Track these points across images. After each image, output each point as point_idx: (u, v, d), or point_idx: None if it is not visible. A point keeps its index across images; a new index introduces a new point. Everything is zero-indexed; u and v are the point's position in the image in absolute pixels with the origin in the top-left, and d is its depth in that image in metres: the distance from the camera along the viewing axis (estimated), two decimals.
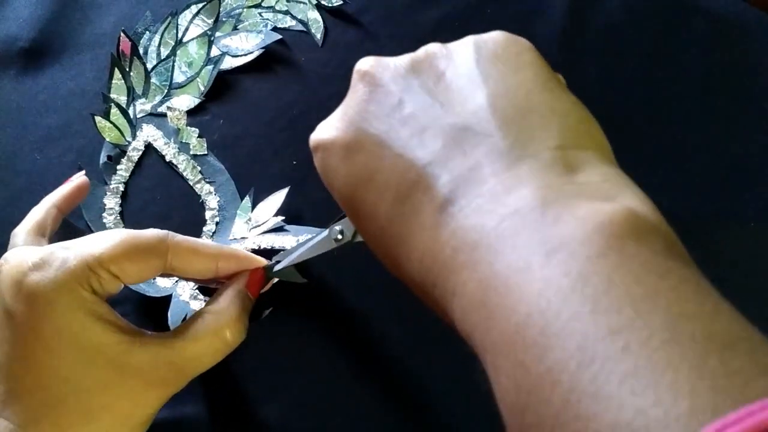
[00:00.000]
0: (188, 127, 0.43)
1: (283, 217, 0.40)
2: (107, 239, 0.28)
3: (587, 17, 0.46)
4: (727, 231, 0.39)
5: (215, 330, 0.29)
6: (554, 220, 0.17)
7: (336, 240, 0.32)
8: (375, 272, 0.38)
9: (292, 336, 0.37)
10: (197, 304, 0.37)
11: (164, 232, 0.30)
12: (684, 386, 0.13)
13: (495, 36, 0.24)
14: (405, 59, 0.24)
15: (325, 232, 0.32)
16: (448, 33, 0.47)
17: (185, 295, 0.37)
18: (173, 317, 0.37)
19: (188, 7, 0.47)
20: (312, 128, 0.43)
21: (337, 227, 0.31)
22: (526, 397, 0.16)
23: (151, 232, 0.29)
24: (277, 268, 0.34)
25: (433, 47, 0.25)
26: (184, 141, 0.43)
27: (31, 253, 0.28)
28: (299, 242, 0.39)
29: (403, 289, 0.38)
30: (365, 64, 0.25)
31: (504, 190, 0.19)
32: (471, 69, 0.23)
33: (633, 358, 0.14)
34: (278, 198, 0.40)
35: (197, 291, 0.38)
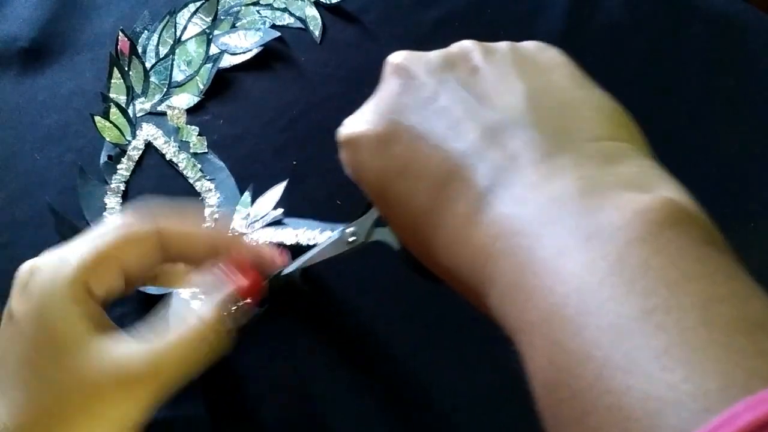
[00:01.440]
0: (188, 126, 0.43)
1: (282, 210, 0.40)
2: (103, 234, 0.28)
3: (587, 17, 0.46)
4: (727, 231, 0.39)
5: (201, 335, 0.28)
6: (593, 208, 0.18)
7: (349, 242, 0.31)
8: (377, 274, 0.38)
9: (293, 337, 0.37)
10: (198, 304, 0.37)
11: (153, 213, 0.29)
12: (715, 364, 0.14)
13: (529, 42, 0.25)
14: (438, 53, 0.25)
15: (337, 235, 0.31)
16: (448, 33, 0.47)
17: (185, 293, 0.37)
18: (174, 317, 0.37)
19: (186, 5, 0.47)
20: (312, 128, 0.44)
21: (349, 229, 0.31)
22: (558, 373, 0.16)
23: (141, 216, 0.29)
24: (288, 269, 0.33)
25: (467, 43, 0.25)
26: (184, 139, 0.43)
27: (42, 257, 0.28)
28: (297, 237, 0.38)
29: (404, 290, 0.38)
30: (398, 57, 0.25)
31: (542, 179, 0.19)
32: (507, 66, 0.23)
33: (666, 336, 0.15)
34: (277, 192, 0.40)
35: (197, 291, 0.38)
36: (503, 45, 0.25)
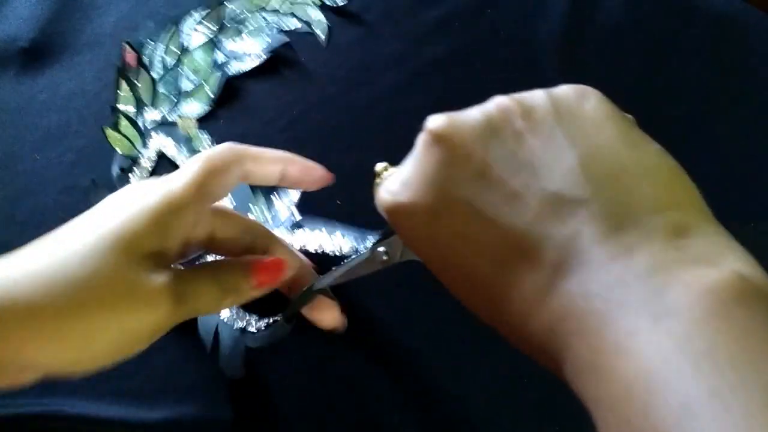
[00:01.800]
0: (200, 133, 0.43)
1: (300, 217, 0.40)
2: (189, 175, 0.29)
3: (587, 17, 0.46)
4: (727, 231, 0.39)
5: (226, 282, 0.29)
6: (661, 287, 0.18)
7: (382, 261, 0.31)
8: (403, 288, 0.38)
9: (318, 348, 0.37)
10: (226, 314, 0.37)
11: (228, 145, 0.30)
12: None
13: (566, 91, 0.24)
14: (478, 118, 0.23)
15: (368, 254, 0.31)
16: (449, 33, 0.47)
17: (225, 314, 0.37)
18: (203, 326, 0.37)
19: (191, 14, 0.47)
20: (312, 128, 0.44)
21: (381, 248, 0.30)
22: None
23: (222, 147, 0.30)
24: (319, 285, 0.33)
25: (504, 103, 0.24)
26: (196, 148, 0.43)
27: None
28: (321, 243, 0.38)
29: (414, 294, 0.38)
30: (437, 124, 0.23)
31: (608, 258, 0.19)
32: (553, 130, 0.22)
33: (733, 418, 0.15)
34: (295, 193, 0.40)
35: None
36: (541, 100, 0.23)
